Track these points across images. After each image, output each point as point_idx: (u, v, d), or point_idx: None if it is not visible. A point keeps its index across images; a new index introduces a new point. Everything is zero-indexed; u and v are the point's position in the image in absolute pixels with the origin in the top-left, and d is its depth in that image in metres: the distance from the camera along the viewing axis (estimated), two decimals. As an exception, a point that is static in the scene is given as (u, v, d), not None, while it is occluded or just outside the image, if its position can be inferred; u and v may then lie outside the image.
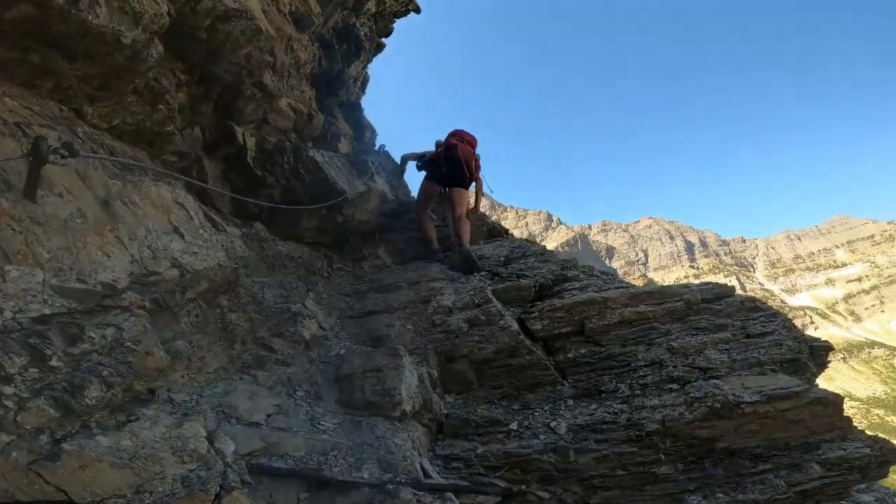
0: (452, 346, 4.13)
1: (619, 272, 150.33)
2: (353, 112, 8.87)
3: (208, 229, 3.29)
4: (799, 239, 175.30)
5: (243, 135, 5.37)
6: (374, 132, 8.90)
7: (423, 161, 6.64)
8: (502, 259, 6.32)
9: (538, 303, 4.93)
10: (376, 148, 9.16)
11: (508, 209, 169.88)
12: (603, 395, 3.64)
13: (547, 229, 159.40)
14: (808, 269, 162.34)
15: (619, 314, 4.20)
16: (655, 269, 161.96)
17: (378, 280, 6.24)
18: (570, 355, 4.08)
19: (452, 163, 6.16)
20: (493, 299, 4.82)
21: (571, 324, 4.28)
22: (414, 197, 8.26)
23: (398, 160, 8.28)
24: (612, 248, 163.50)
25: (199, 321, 2.96)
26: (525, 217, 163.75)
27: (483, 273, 5.64)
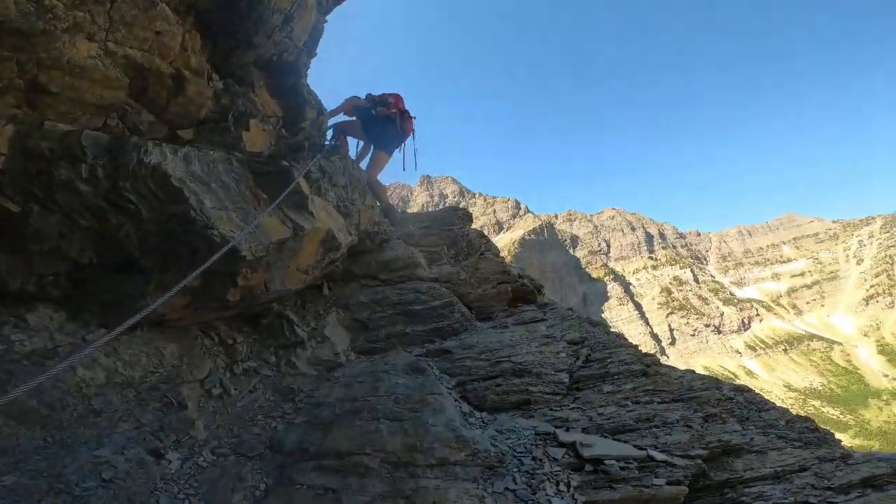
0: None
1: (582, 261, 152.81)
2: (287, 77, 5.38)
3: None
4: (749, 234, 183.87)
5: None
6: (321, 111, 5.51)
7: (376, 114, 5.48)
8: (565, 380, 3.21)
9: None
10: (327, 141, 5.69)
11: (477, 196, 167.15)
12: None
13: (515, 217, 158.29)
14: (757, 263, 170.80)
15: None
16: (616, 260, 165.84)
17: (319, 412, 3.15)
18: None
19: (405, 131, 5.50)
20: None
21: None
22: (387, 216, 5.32)
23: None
24: (577, 237, 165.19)
25: None
26: (493, 204, 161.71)
27: (548, 441, 2.59)
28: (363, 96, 5.84)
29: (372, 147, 5.67)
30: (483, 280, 4.57)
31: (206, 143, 3.83)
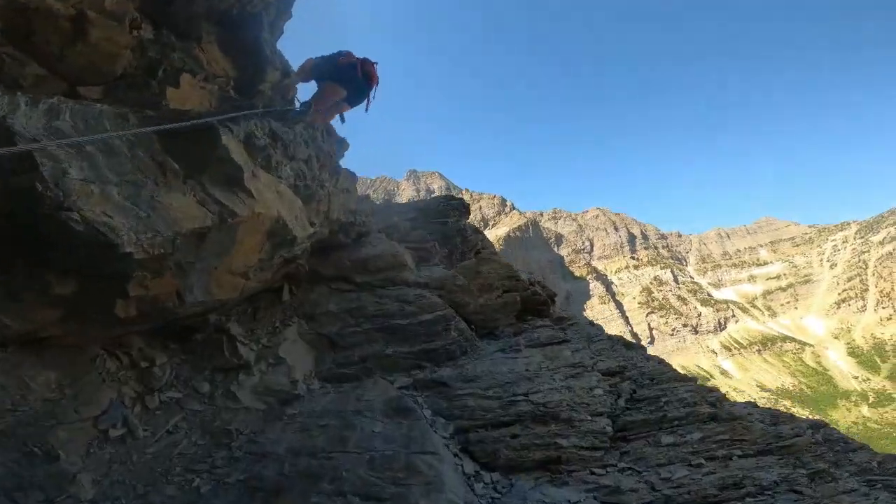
0: None
1: (566, 259, 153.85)
2: (246, 32, 4.30)
3: None
4: (728, 237, 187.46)
5: None
6: (288, 74, 4.43)
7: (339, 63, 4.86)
8: (607, 428, 2.26)
9: None
10: (296, 107, 4.65)
11: (463, 192, 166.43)
12: None
13: (500, 214, 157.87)
14: (734, 265, 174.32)
15: None
16: (599, 259, 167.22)
17: (263, 469, 2.04)
18: None
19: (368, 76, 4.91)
20: None
21: None
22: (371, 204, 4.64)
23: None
24: (561, 235, 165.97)
25: None
26: (479, 201, 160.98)
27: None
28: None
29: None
30: (486, 287, 3.60)
31: (118, 103, 2.76)
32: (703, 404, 2.62)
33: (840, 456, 2.94)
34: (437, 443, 2.39)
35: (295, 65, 5.39)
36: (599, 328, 3.64)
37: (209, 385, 3.00)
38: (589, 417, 2.50)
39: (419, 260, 4.11)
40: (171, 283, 2.13)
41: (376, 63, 4.98)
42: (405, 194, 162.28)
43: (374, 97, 4.91)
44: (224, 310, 3.00)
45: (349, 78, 4.74)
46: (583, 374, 2.79)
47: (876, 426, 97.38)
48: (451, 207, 5.25)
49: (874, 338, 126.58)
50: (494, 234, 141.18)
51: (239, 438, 2.82)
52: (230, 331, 3.05)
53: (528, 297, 3.76)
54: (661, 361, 3.20)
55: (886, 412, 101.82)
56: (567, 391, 2.63)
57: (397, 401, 2.62)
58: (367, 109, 4.77)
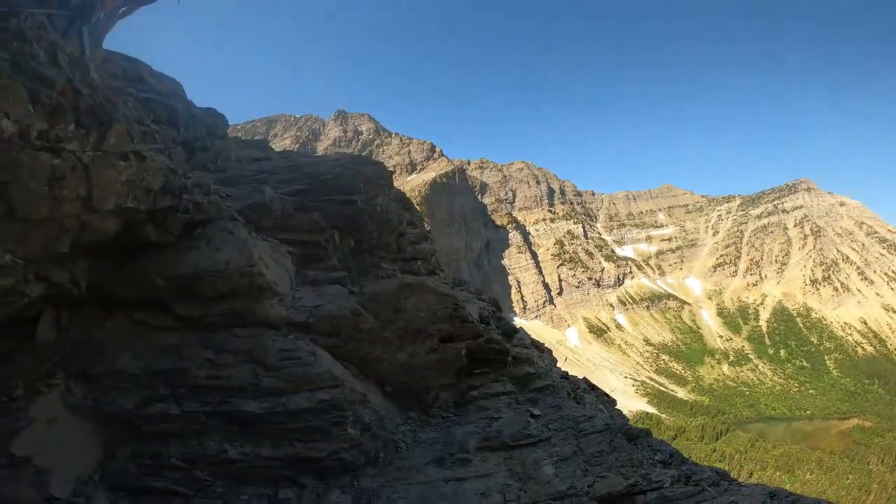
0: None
1: (489, 208, 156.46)
2: None
3: None
4: (634, 199, 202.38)
5: None
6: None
7: None
8: None
9: None
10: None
11: (393, 135, 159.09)
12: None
13: (428, 159, 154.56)
14: (636, 225, 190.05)
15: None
16: (519, 210, 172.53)
17: None
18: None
19: None
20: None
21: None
22: None
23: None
24: (486, 184, 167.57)
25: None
26: (409, 145, 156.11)
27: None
28: None
29: None
30: (412, 333, 2.11)
31: None
32: None
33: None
34: None
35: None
36: (580, 383, 2.41)
37: None
38: None
39: (305, 261, 2.52)
40: None
41: None
42: (331, 134, 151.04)
43: None
44: None
45: None
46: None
47: (732, 384, 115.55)
48: (363, 178, 3.29)
49: (740, 301, 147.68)
50: (421, 179, 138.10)
51: None
52: None
53: (480, 348, 2.38)
54: (673, 454, 2.08)
55: (742, 371, 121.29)
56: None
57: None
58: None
